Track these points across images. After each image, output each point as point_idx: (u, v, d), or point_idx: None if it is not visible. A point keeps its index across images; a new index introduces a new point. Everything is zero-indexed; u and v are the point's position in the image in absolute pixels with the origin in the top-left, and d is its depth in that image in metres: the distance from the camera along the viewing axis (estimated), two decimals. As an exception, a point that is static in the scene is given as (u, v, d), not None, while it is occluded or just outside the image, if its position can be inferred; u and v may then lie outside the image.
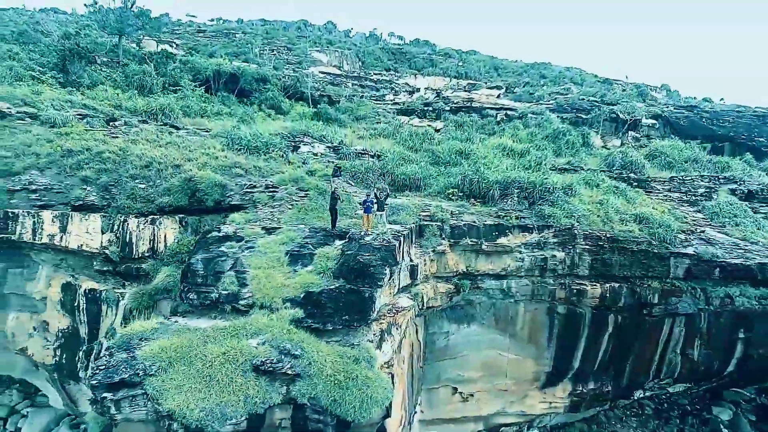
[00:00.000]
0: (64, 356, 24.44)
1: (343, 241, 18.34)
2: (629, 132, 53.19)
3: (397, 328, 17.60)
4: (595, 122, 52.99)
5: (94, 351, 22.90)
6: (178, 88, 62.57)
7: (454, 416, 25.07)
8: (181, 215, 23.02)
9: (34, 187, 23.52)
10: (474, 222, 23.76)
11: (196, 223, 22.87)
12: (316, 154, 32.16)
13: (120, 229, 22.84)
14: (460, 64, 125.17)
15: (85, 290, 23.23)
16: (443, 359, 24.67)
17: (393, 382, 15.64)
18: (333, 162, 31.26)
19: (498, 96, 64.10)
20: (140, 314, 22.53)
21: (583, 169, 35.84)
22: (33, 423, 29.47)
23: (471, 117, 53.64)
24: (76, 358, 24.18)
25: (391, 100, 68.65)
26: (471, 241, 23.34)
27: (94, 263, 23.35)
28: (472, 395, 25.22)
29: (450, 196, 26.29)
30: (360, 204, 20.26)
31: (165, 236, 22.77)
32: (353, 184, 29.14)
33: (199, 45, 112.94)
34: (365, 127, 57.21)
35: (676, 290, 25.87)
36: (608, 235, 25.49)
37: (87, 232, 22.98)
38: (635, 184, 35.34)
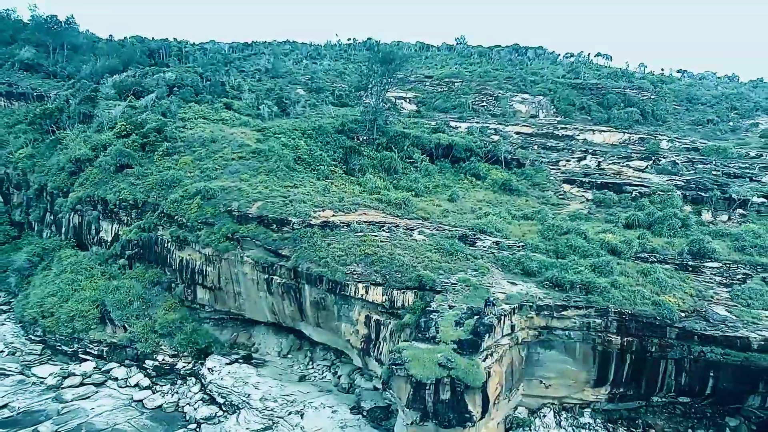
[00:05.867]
0: (364, 345, 55.32)
1: (477, 317, 45.55)
2: (737, 210, 69.97)
3: (496, 353, 44.65)
4: (708, 201, 70.93)
5: (378, 347, 53.61)
6: (411, 161, 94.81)
7: (540, 394, 50.85)
8: (415, 290, 52.03)
9: (354, 272, 54.56)
10: (550, 303, 49.07)
11: (421, 294, 51.75)
12: (485, 247, 59.23)
13: (390, 294, 52.74)
14: (652, 97, 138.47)
15: (374, 319, 53.85)
16: (536, 366, 50.41)
17: (489, 374, 42.85)
18: (496, 254, 58.15)
19: (646, 167, 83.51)
20: (396, 332, 52.32)
21: (655, 258, 57.43)
22: (343, 368, 62.31)
23: (610, 195, 75.49)
24: (369, 347, 54.96)
25: (563, 166, 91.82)
26: (547, 312, 48.77)
27: (378, 308, 53.77)
28: (551, 385, 50.55)
29: (545, 285, 51.64)
30: (485, 301, 47.00)
31: (409, 299, 52.06)
32: (500, 269, 55.80)
33: (426, 97, 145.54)
34: (537, 195, 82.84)
35: (668, 345, 47.88)
36: (630, 312, 48.47)
37: (376, 294, 53.38)
38: (691, 269, 56.03)
